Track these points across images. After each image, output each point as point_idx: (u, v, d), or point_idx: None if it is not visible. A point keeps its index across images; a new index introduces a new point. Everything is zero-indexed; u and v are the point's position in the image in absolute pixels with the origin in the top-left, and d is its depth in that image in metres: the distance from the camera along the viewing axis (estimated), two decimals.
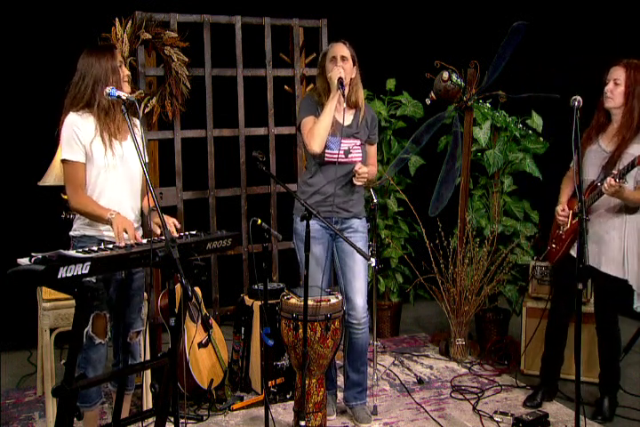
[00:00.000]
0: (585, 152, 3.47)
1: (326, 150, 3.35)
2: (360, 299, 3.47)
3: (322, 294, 3.35)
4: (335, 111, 3.34)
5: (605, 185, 3.19)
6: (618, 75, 3.34)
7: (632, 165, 3.14)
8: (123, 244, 2.61)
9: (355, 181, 3.38)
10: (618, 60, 3.40)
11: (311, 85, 4.45)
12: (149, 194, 2.58)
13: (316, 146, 3.31)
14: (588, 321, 3.85)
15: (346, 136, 3.40)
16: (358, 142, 3.44)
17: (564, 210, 3.53)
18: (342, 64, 3.33)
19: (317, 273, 3.45)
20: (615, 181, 3.15)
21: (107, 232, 2.85)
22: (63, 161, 2.84)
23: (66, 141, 2.81)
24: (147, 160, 2.67)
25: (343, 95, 3.31)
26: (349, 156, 3.40)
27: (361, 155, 3.46)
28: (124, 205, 2.91)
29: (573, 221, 3.51)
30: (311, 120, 3.37)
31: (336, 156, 3.36)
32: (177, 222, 2.90)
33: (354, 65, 3.39)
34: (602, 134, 3.45)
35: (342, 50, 3.36)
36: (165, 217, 2.64)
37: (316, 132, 3.30)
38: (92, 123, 2.82)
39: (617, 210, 3.38)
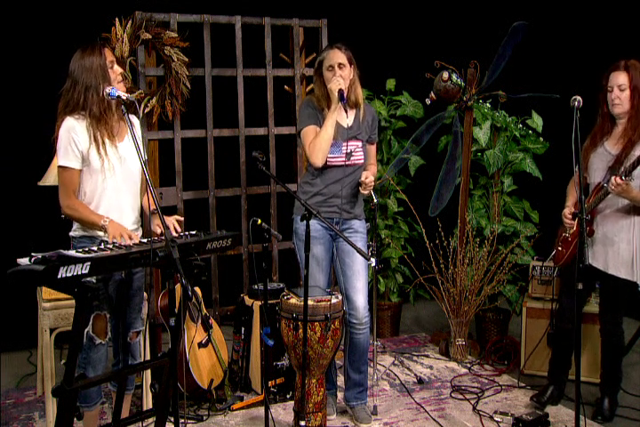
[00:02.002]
0: (590, 156, 3.46)
1: (328, 155, 3.35)
2: (361, 298, 3.47)
3: (322, 293, 3.35)
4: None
5: (612, 184, 3.19)
6: (621, 80, 3.31)
7: (638, 162, 3.14)
8: (128, 242, 2.63)
9: (362, 191, 3.40)
10: (615, 64, 3.37)
11: (311, 85, 4.45)
12: (149, 194, 2.58)
13: (318, 160, 3.31)
14: (591, 322, 3.85)
15: (347, 138, 3.39)
16: (360, 144, 3.44)
17: (571, 213, 3.51)
18: (340, 72, 3.32)
19: (317, 273, 3.45)
20: (621, 179, 3.16)
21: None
22: (59, 166, 2.84)
23: (63, 147, 2.80)
24: (146, 158, 2.68)
25: (345, 109, 3.32)
26: (352, 158, 3.41)
27: (363, 155, 3.46)
28: (125, 207, 2.91)
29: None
30: (312, 130, 3.36)
31: (339, 159, 3.37)
32: (180, 218, 2.89)
33: (351, 66, 3.38)
34: (607, 138, 3.44)
35: (338, 56, 3.34)
36: (165, 217, 2.64)
37: (318, 147, 3.29)
38: (87, 128, 2.81)
39: (625, 211, 3.36)
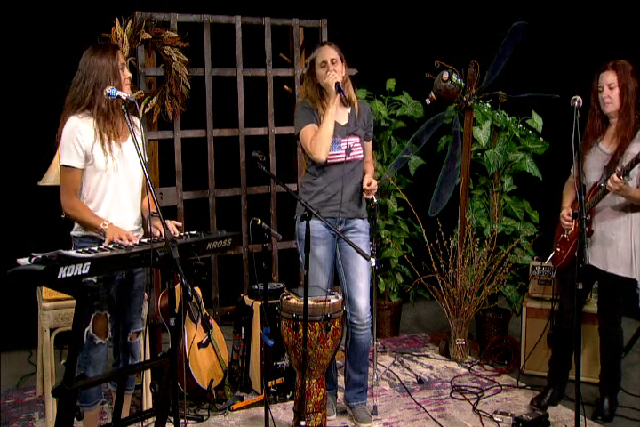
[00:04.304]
0: (585, 157, 3.47)
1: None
2: (363, 300, 3.46)
3: (322, 293, 3.35)
4: None
5: (610, 182, 3.20)
6: (610, 79, 3.36)
7: (636, 161, 3.15)
8: (127, 243, 2.63)
9: (366, 196, 3.41)
10: (603, 64, 3.40)
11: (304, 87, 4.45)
12: (149, 194, 2.58)
13: (322, 155, 3.32)
14: (591, 321, 3.85)
15: (345, 135, 3.40)
16: (358, 139, 3.45)
17: (569, 214, 3.51)
18: (334, 67, 3.33)
19: (320, 274, 3.44)
20: (619, 177, 3.17)
21: None
22: (61, 166, 2.83)
23: (66, 146, 2.79)
24: (147, 160, 2.67)
25: (343, 100, 3.34)
26: (351, 154, 3.41)
27: (361, 151, 3.46)
28: (126, 207, 2.91)
29: (577, 225, 3.50)
30: (311, 129, 3.36)
31: (338, 156, 3.37)
32: (178, 223, 2.89)
33: (342, 62, 3.39)
34: (601, 138, 3.45)
35: (330, 53, 3.35)
36: (165, 221, 2.64)
37: (320, 141, 3.30)
38: (93, 126, 2.81)
39: (622, 209, 3.37)
